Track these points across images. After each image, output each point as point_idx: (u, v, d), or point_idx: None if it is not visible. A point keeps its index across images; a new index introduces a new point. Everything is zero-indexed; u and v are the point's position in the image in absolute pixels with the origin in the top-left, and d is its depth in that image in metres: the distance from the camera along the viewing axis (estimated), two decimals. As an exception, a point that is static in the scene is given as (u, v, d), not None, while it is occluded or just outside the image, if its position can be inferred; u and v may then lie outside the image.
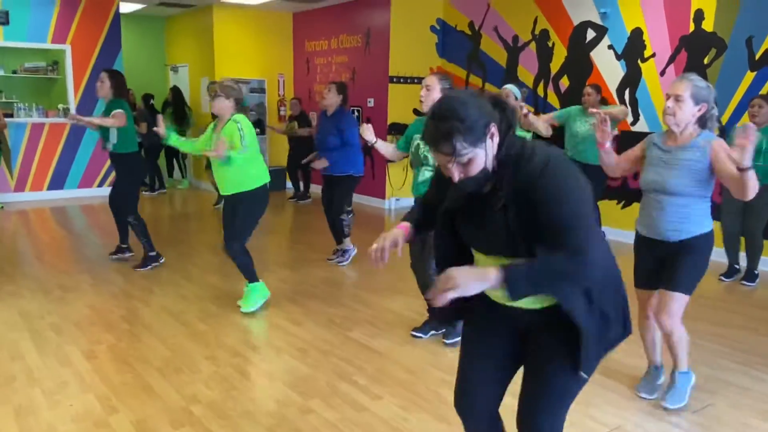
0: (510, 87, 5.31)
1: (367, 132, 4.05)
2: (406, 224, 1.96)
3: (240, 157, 4.01)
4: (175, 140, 4.40)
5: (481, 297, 1.81)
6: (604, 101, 6.39)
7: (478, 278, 1.60)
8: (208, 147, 4.18)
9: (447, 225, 1.85)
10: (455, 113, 1.56)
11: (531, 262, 1.60)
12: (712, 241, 2.89)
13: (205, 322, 4.15)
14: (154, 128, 4.53)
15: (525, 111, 5.40)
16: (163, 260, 5.48)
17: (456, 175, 1.61)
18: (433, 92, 3.58)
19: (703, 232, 2.83)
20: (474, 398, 1.95)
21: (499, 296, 1.80)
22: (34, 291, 4.72)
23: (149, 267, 5.34)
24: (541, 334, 1.80)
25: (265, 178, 4.26)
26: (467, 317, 1.98)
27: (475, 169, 1.60)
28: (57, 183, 9.05)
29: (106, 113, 5.10)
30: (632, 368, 3.46)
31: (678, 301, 2.87)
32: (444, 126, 1.55)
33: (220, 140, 3.94)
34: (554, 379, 1.80)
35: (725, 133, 5.77)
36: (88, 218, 7.97)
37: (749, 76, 5.72)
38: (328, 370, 3.42)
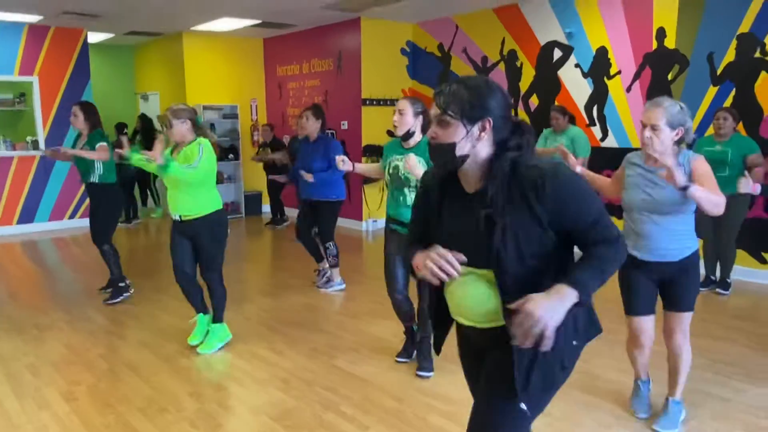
0: None
1: (344, 164, 4.01)
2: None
3: (194, 182, 3.84)
4: (137, 159, 4.04)
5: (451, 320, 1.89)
6: (573, 119, 6.51)
7: (560, 303, 1.57)
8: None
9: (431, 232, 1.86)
10: (476, 89, 1.67)
11: (584, 263, 1.67)
12: (699, 257, 2.94)
13: (185, 356, 4.08)
14: (116, 150, 4.31)
15: None
16: (132, 291, 5.37)
17: (432, 128, 1.72)
18: (406, 116, 3.59)
19: (697, 248, 2.88)
20: None
21: (461, 316, 1.83)
22: (8, 331, 4.59)
23: (120, 299, 5.25)
24: (492, 359, 1.80)
25: (218, 204, 4.04)
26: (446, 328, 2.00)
27: (448, 137, 1.67)
28: (27, 216, 8.86)
29: (89, 144, 5.07)
30: (617, 383, 3.51)
31: (688, 320, 2.92)
32: (460, 89, 1.66)
33: (157, 149, 3.80)
34: (499, 412, 1.76)
35: (690, 146, 5.93)
36: (61, 252, 7.81)
37: (712, 90, 5.89)
38: (313, 401, 3.39)
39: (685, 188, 2.58)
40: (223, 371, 3.88)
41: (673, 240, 2.82)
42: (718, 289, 5.41)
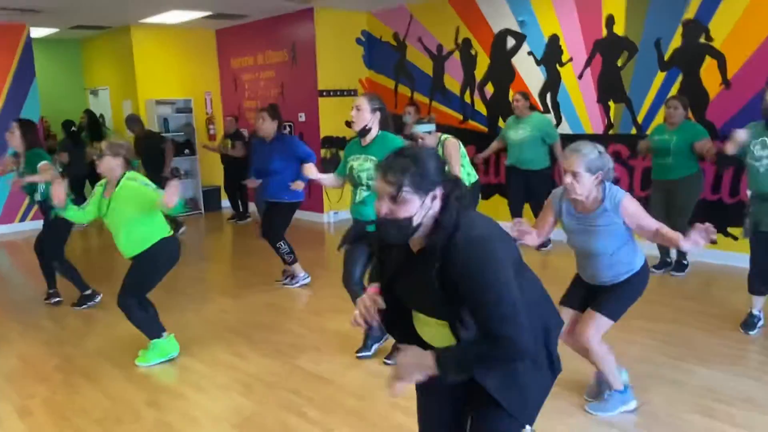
0: (417, 129, 5.02)
1: (311, 171, 3.99)
2: (376, 285, 1.97)
3: (133, 219, 3.75)
4: (71, 213, 3.97)
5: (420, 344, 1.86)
6: (533, 107, 6.58)
7: (418, 368, 1.70)
8: (100, 213, 3.90)
9: (388, 289, 1.89)
10: (418, 158, 1.66)
11: (461, 347, 1.69)
12: (645, 275, 2.99)
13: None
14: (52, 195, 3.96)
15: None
16: (99, 298, 5.23)
17: (384, 208, 1.66)
18: (363, 112, 3.63)
19: (635, 271, 2.93)
20: None
21: (432, 342, 1.85)
22: (-44, 344, 4.46)
23: (86, 305, 5.16)
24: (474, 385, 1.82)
25: (163, 233, 3.88)
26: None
27: (403, 212, 1.65)
28: (-25, 220, 8.57)
29: (28, 165, 4.88)
30: (579, 373, 3.57)
31: (599, 321, 2.94)
32: (403, 161, 1.65)
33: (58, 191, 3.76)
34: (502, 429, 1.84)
35: (641, 130, 6.07)
36: (12, 257, 7.56)
37: (660, 76, 6.01)
38: (276, 405, 3.36)
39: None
40: (183, 377, 3.80)
41: (609, 270, 2.93)
42: (672, 272, 5.55)
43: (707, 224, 2.56)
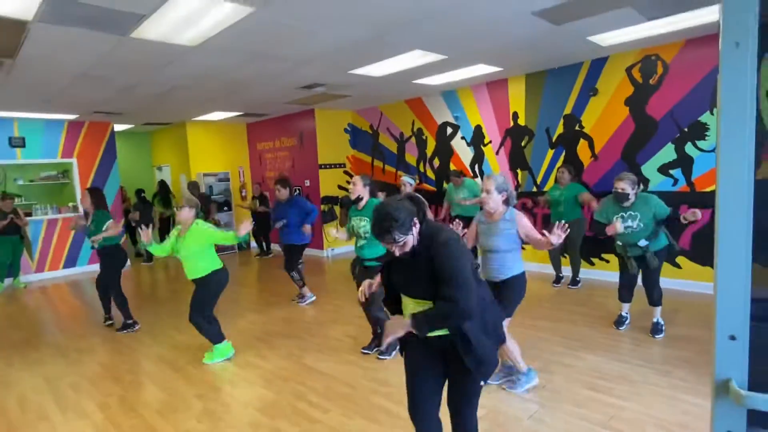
0: (405, 178, 5.43)
1: (331, 231, 3.94)
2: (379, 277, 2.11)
3: (198, 252, 3.72)
4: (154, 248, 3.85)
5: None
6: (462, 173, 6.68)
7: (400, 327, 1.81)
8: (173, 250, 3.83)
9: (389, 284, 1.98)
10: (391, 216, 1.74)
11: (430, 310, 1.77)
12: (523, 280, 2.97)
13: (194, 365, 3.88)
14: (141, 229, 3.87)
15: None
16: (138, 327, 4.89)
17: (397, 252, 1.81)
18: (357, 186, 3.73)
19: (516, 274, 2.95)
20: (424, 406, 1.96)
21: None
22: (54, 356, 4.26)
23: (126, 332, 4.82)
24: (454, 354, 1.86)
25: (218, 264, 3.85)
26: (409, 346, 2.03)
27: (408, 247, 1.79)
28: (71, 262, 8.31)
29: (95, 222, 4.69)
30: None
31: (505, 322, 2.94)
32: (386, 225, 1.74)
33: (146, 234, 3.73)
34: (469, 385, 1.89)
35: (539, 188, 6.20)
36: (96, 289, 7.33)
37: (550, 153, 6.19)
38: (288, 394, 3.28)
39: (552, 244, 2.73)
40: (222, 376, 3.70)
41: (502, 267, 2.94)
42: (569, 286, 5.52)
43: (559, 231, 2.67)
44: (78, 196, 8.31)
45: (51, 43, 3.89)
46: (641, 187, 4.45)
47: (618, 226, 3.72)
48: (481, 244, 3.04)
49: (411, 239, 1.77)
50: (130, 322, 4.93)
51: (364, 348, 3.93)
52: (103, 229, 4.69)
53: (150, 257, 8.90)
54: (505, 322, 2.96)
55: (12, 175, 8.43)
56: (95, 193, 4.84)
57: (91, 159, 8.47)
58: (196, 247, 3.74)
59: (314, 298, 5.63)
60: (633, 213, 3.78)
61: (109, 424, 3.00)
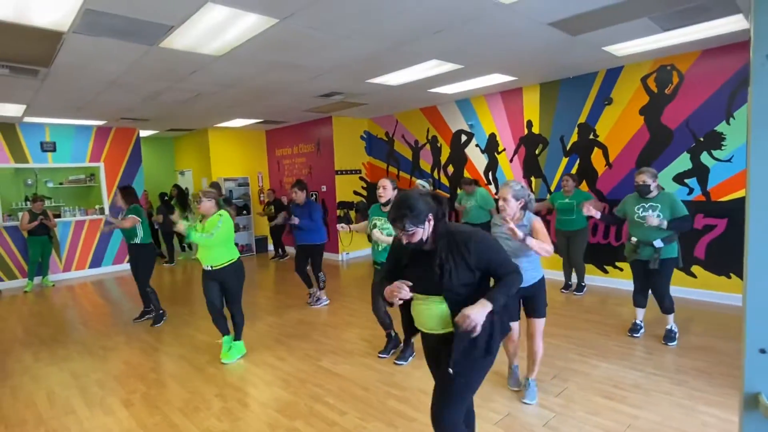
0: (420, 182, 5.45)
1: (343, 227, 3.91)
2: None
3: (216, 241, 3.69)
4: (193, 236, 3.74)
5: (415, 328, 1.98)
6: (477, 183, 6.66)
7: (482, 309, 1.77)
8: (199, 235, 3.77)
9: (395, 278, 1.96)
10: (408, 205, 1.79)
11: (497, 287, 1.83)
12: (544, 282, 2.96)
13: (214, 365, 3.91)
14: (171, 216, 4.37)
15: None
16: (166, 316, 5.24)
17: (404, 239, 1.85)
18: (387, 190, 3.72)
19: (540, 277, 2.93)
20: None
21: (424, 326, 1.93)
22: (81, 353, 4.33)
23: (161, 322, 5.11)
24: (443, 350, 1.89)
25: (235, 256, 3.86)
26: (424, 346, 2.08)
27: (416, 238, 1.84)
28: (96, 262, 8.47)
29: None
30: (496, 365, 3.52)
31: (542, 323, 2.94)
32: (401, 212, 1.80)
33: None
34: (449, 383, 1.88)
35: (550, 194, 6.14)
36: (122, 288, 7.43)
37: (564, 161, 6.13)
38: (305, 395, 3.28)
39: (523, 240, 2.72)
40: (241, 376, 3.71)
41: (525, 272, 2.85)
42: (575, 292, 5.51)
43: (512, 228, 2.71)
44: (105, 199, 8.48)
45: (84, 52, 3.99)
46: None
47: (653, 220, 3.57)
48: None
49: (421, 232, 1.80)
50: (161, 311, 5.18)
51: (380, 352, 3.92)
52: (139, 233, 4.91)
53: (171, 258, 9.01)
54: (542, 324, 2.93)
55: (43, 178, 8.64)
56: (126, 191, 5.00)
57: (118, 163, 8.64)
58: (216, 235, 3.71)
59: (328, 302, 5.64)
60: (654, 204, 3.74)
61: (133, 420, 3.04)
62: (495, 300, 1.78)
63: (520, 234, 2.72)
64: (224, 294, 3.93)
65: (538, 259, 2.93)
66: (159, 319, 5.12)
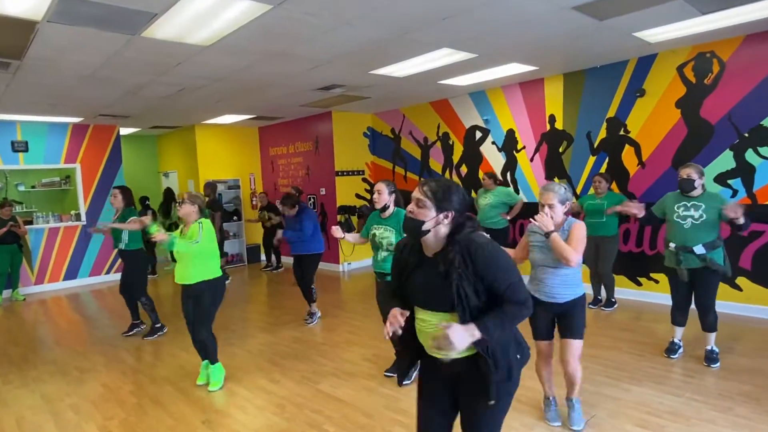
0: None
1: (337, 232, 3.90)
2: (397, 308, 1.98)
3: (197, 254, 3.67)
4: (154, 229, 3.76)
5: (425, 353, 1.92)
6: (506, 183, 6.67)
7: (466, 335, 1.68)
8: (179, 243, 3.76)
9: (401, 292, 1.94)
10: (447, 187, 1.80)
11: (494, 314, 1.73)
12: (585, 301, 2.94)
13: (200, 389, 3.92)
14: (142, 217, 4.69)
15: None
16: (165, 330, 5.34)
17: (410, 207, 1.82)
18: (383, 194, 3.72)
19: (582, 293, 2.90)
20: None
21: (434, 352, 1.85)
22: (54, 374, 4.36)
23: (156, 336, 5.22)
24: (468, 379, 1.83)
25: (216, 273, 3.80)
26: (424, 373, 2.01)
27: (421, 215, 1.78)
28: (71, 274, 8.55)
29: (122, 220, 5.01)
30: (535, 390, 3.51)
31: (578, 346, 2.90)
32: (435, 185, 1.80)
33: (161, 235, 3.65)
34: (483, 416, 1.84)
35: (579, 200, 6.13)
36: (99, 302, 7.50)
37: (591, 160, 6.13)
38: (302, 422, 3.27)
39: (547, 234, 2.72)
40: (230, 400, 3.72)
41: (562, 286, 2.86)
42: (603, 308, 5.47)
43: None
44: (81, 204, 8.57)
45: (59, 43, 4.06)
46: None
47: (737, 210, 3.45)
48: (534, 260, 2.92)
49: (430, 215, 1.76)
50: (158, 325, 5.30)
51: (387, 370, 3.93)
52: (124, 239, 5.06)
53: (154, 269, 9.07)
54: (578, 347, 2.89)
55: (13, 180, 8.75)
56: (125, 191, 5.18)
57: (95, 164, 8.74)
58: (195, 248, 3.67)
59: (319, 313, 5.70)
60: (697, 203, 3.71)
61: (110, 449, 3.06)
62: (486, 329, 1.68)
63: (549, 225, 2.71)
64: (195, 310, 3.82)
65: (578, 273, 2.89)
66: (153, 333, 5.23)
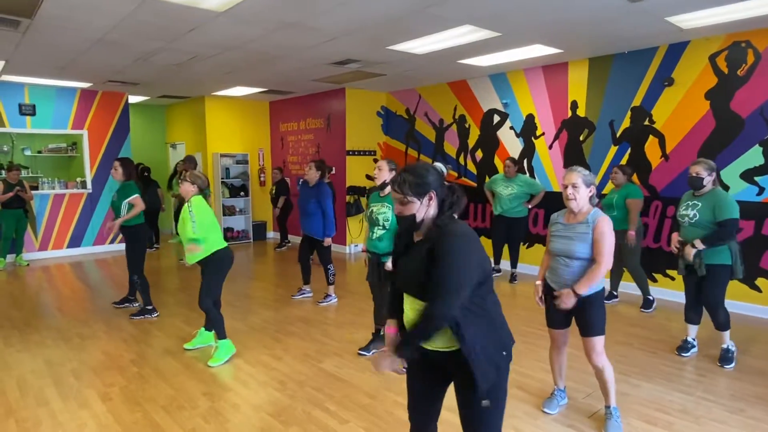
0: (437, 165, 5.41)
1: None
2: (392, 323, 2.05)
3: (200, 230, 3.77)
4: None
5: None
6: (522, 170, 6.61)
7: (389, 362, 1.90)
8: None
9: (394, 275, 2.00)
10: (416, 172, 1.81)
11: (409, 331, 1.84)
12: (602, 297, 2.86)
13: (202, 361, 3.98)
14: (132, 197, 4.78)
15: None
16: (156, 315, 5.12)
17: (397, 209, 1.84)
18: (383, 171, 3.81)
19: (600, 287, 2.84)
20: (420, 420, 2.07)
21: (429, 345, 1.89)
22: (56, 340, 4.46)
23: (143, 317, 5.05)
24: (458, 373, 1.83)
25: (220, 245, 3.89)
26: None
27: (408, 211, 1.81)
28: (75, 242, 8.67)
29: (121, 194, 4.94)
30: (542, 382, 3.52)
31: (599, 342, 2.82)
32: (406, 176, 1.81)
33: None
34: (479, 410, 1.84)
35: (597, 190, 6.06)
36: (102, 271, 7.61)
37: (613, 150, 6.05)
38: (303, 399, 3.33)
39: (578, 297, 2.72)
40: (232, 374, 3.78)
41: (579, 279, 2.78)
42: (642, 309, 5.21)
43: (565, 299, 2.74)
44: (87, 171, 8.64)
45: (71, 2, 4.04)
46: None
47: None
48: (554, 249, 2.84)
49: (417, 206, 1.78)
50: (149, 308, 5.13)
51: (361, 349, 4.04)
52: (123, 213, 4.93)
53: (152, 242, 9.11)
54: (598, 342, 2.81)
55: (20, 144, 8.83)
56: (126, 163, 5.03)
57: (103, 132, 8.79)
58: (191, 225, 3.76)
59: (336, 300, 5.69)
60: (696, 202, 3.73)
61: (110, 416, 3.12)
62: (401, 349, 1.83)
63: (570, 302, 2.70)
64: (201, 282, 3.92)
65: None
66: (141, 314, 5.08)
